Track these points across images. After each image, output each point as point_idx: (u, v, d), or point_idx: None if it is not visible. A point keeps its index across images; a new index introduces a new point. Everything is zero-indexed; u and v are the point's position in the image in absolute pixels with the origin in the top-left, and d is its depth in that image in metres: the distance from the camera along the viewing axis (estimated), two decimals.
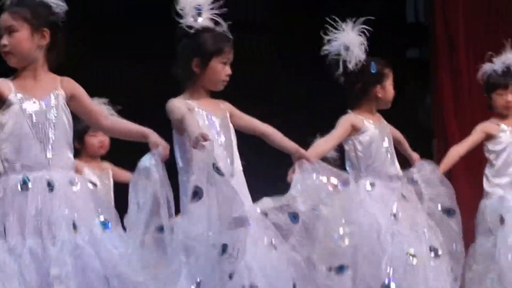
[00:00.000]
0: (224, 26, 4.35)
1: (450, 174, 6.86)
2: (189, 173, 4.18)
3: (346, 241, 4.64)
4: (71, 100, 3.90)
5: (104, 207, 4.04)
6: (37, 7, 3.86)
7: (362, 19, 4.95)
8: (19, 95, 3.82)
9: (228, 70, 4.34)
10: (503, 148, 5.70)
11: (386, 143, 5.14)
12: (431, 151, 6.79)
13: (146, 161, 3.91)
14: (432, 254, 5.08)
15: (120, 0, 7.89)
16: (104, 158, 6.06)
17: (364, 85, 5.07)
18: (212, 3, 4.32)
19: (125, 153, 4.74)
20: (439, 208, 5.24)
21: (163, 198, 3.89)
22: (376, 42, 5.06)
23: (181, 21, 4.31)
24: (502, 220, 5.60)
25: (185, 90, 4.34)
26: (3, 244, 3.64)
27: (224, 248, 3.94)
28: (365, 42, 5.05)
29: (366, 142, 5.10)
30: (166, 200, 3.90)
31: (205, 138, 3.99)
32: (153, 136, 3.97)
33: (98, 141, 5.89)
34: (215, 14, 4.33)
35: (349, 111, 5.06)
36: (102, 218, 3.85)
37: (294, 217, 4.41)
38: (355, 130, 5.04)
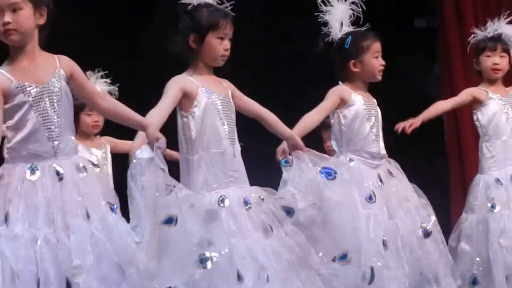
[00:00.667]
0: (225, 3, 4.33)
1: (460, 146, 7.26)
2: (191, 150, 4.33)
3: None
4: (70, 79, 3.88)
5: (109, 191, 4.04)
6: None
7: None
8: (21, 83, 3.79)
9: (226, 44, 4.33)
10: (492, 116, 5.68)
11: (372, 121, 5.14)
12: (442, 119, 6.74)
13: (147, 152, 3.94)
14: (424, 235, 5.11)
15: None
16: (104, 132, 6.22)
17: (340, 59, 5.10)
18: None
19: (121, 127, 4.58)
20: None
21: (167, 189, 3.95)
22: (383, 13, 5.15)
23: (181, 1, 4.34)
24: (492, 206, 5.60)
25: (188, 67, 4.35)
26: (5, 231, 3.63)
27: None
28: (358, 14, 5.01)
29: (351, 116, 5.09)
30: (170, 191, 3.97)
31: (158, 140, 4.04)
32: (151, 129, 4.02)
33: (92, 120, 5.96)
34: None
35: (340, 82, 5.07)
36: (109, 204, 3.86)
37: (289, 212, 4.45)
38: (343, 102, 5.05)
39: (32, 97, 3.77)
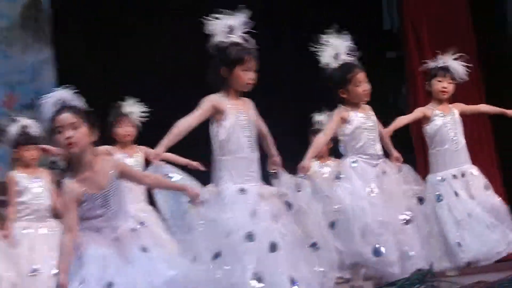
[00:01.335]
0: (250, 41, 4.77)
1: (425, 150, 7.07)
2: (220, 153, 4.78)
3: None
4: (121, 176, 4.23)
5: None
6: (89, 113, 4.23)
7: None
8: (88, 194, 4.10)
9: (250, 75, 4.76)
10: (437, 129, 6.26)
11: (368, 129, 5.58)
12: (408, 128, 7.06)
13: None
14: (405, 222, 5.47)
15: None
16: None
17: (333, 88, 5.62)
18: (242, 24, 4.73)
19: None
20: None
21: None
22: (364, 48, 5.62)
23: (212, 39, 4.75)
24: (439, 197, 6.14)
25: (221, 90, 4.79)
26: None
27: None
28: (352, 50, 5.54)
29: (351, 130, 5.54)
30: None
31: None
32: (189, 190, 4.48)
33: (124, 131, 6.48)
34: (244, 32, 4.75)
35: (339, 105, 5.59)
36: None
37: (289, 205, 4.91)
38: (344, 121, 5.54)
39: (96, 202, 4.13)
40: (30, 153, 6.44)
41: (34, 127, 6.45)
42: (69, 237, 4.08)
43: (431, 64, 6.31)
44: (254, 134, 4.83)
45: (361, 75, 5.47)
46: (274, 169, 5.01)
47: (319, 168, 7.28)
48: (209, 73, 4.79)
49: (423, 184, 5.97)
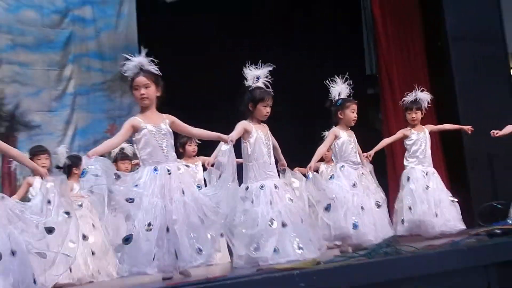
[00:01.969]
0: (269, 88, 5.30)
1: (394, 158, 8.38)
2: (248, 160, 5.21)
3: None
4: (171, 125, 4.67)
5: (194, 180, 4.95)
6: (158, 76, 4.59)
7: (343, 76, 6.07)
8: (145, 124, 4.61)
9: (268, 110, 5.25)
10: (413, 143, 6.98)
11: (351, 144, 6.19)
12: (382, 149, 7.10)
13: (227, 147, 4.80)
14: (377, 206, 6.14)
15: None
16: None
17: (335, 110, 6.19)
18: (265, 74, 5.26)
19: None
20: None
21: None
22: (352, 87, 6.20)
23: (245, 82, 5.31)
24: (408, 179, 6.87)
25: (248, 118, 5.31)
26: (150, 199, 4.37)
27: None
28: (349, 90, 6.16)
29: (340, 144, 6.16)
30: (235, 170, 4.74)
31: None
32: (222, 136, 4.83)
33: (192, 149, 7.09)
34: (266, 80, 5.31)
35: (333, 126, 6.25)
36: (197, 185, 4.70)
37: (293, 192, 5.29)
38: (336, 137, 6.16)
39: (150, 131, 4.60)
40: (125, 166, 7.19)
41: (128, 148, 7.11)
42: (115, 141, 4.61)
43: (405, 99, 7.02)
44: (270, 147, 5.28)
45: (355, 106, 6.15)
46: (282, 169, 5.48)
47: (325, 169, 7.93)
48: (240, 105, 5.31)
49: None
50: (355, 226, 5.79)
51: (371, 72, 10.06)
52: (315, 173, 5.88)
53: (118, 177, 4.39)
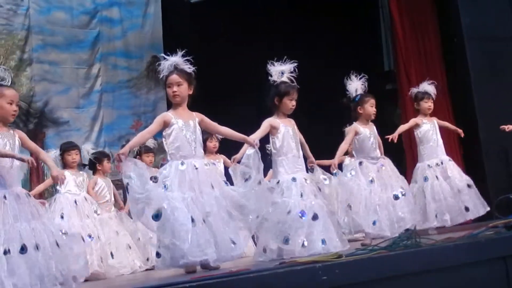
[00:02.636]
0: (294, 82, 5.28)
1: (413, 148, 7.76)
2: (277, 155, 5.18)
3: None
4: (200, 123, 4.71)
5: (221, 175, 4.95)
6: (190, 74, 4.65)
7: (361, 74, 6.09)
8: (176, 119, 4.63)
9: (293, 103, 5.25)
10: (426, 131, 6.93)
11: (371, 139, 6.17)
12: (401, 137, 7.11)
13: (252, 151, 4.79)
14: (401, 194, 6.07)
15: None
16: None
17: (353, 107, 6.16)
18: (289, 69, 5.27)
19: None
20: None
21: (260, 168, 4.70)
22: (371, 83, 6.23)
23: (270, 77, 5.30)
24: (426, 179, 6.77)
25: (274, 114, 5.32)
26: (176, 193, 4.36)
27: None
28: (364, 86, 6.15)
29: (361, 140, 6.12)
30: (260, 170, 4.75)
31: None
32: (248, 139, 4.82)
33: (213, 145, 7.14)
34: (291, 75, 5.31)
35: (354, 122, 6.21)
36: (224, 181, 4.60)
37: (319, 188, 5.30)
38: (356, 133, 6.12)
39: (182, 127, 4.64)
40: (149, 158, 7.40)
41: (151, 142, 7.30)
42: (147, 134, 4.68)
43: (413, 89, 7.10)
44: (297, 141, 5.30)
45: (373, 101, 6.16)
46: (311, 166, 5.49)
47: (350, 162, 7.53)
48: (267, 100, 5.34)
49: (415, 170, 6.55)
50: (374, 223, 5.84)
51: (389, 68, 10.13)
52: (338, 170, 5.93)
53: (155, 179, 4.48)
